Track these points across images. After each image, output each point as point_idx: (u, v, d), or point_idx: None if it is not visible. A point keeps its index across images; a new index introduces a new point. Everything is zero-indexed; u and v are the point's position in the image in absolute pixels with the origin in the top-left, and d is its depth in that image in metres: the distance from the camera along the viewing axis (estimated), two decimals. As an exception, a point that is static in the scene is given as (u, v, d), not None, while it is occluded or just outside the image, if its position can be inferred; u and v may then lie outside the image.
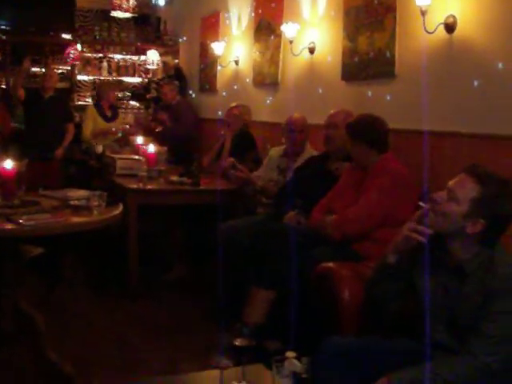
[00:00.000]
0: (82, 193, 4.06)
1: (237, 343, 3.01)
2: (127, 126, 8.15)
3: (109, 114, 8.16)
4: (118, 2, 10.43)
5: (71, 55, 10.22)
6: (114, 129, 7.91)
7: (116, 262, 5.89)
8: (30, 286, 4.58)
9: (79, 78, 10.57)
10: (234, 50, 7.84)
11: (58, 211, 3.72)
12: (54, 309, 4.79)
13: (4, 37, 10.08)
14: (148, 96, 10.27)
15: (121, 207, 3.91)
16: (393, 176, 3.99)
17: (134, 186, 5.51)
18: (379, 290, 2.80)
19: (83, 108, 9.03)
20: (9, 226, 3.40)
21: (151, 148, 5.95)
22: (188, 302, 5.30)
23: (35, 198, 3.98)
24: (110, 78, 10.59)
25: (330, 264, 3.63)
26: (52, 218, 3.55)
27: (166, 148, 6.38)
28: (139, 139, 6.91)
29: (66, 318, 4.79)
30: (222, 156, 6.15)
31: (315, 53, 5.96)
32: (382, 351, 2.62)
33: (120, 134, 7.79)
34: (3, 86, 9.20)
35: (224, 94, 8.14)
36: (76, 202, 3.80)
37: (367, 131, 4.12)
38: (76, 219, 3.64)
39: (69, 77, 10.35)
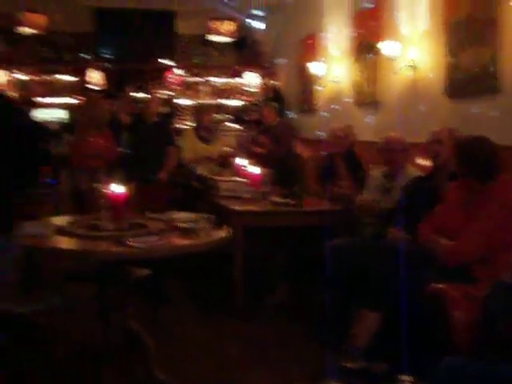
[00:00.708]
0: (189, 215, 4.10)
1: (348, 365, 2.99)
2: (229, 149, 8.22)
3: (207, 136, 8.26)
4: (216, 27, 10.61)
5: (171, 80, 10.45)
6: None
7: (220, 283, 5.94)
8: (137, 306, 4.66)
9: (179, 102, 10.78)
10: (333, 70, 7.84)
11: (166, 234, 3.77)
12: (159, 329, 4.85)
13: (109, 66, 10.41)
14: (248, 118, 10.36)
15: (228, 230, 3.93)
16: (504, 202, 3.87)
17: (239, 208, 5.55)
18: (496, 307, 2.72)
19: (181, 131, 9.15)
20: (119, 249, 3.47)
21: (254, 170, 5.99)
22: (292, 323, 5.25)
23: (143, 220, 4.05)
24: (210, 102, 10.73)
25: (441, 285, 3.56)
26: (160, 240, 3.60)
27: (268, 169, 6.40)
28: (241, 161, 6.95)
29: (171, 339, 4.84)
30: (330, 178, 6.09)
31: (416, 70, 5.90)
32: (500, 375, 2.54)
33: None
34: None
35: (324, 114, 8.13)
36: (183, 225, 3.83)
37: (476, 161, 3.99)
38: (184, 242, 3.68)
39: (169, 101, 10.57)
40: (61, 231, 3.83)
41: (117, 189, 3.76)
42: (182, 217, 4.08)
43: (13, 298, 3.92)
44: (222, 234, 3.86)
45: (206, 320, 5.37)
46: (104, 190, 3.82)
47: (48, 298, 4.01)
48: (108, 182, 3.84)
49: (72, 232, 3.82)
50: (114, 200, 3.76)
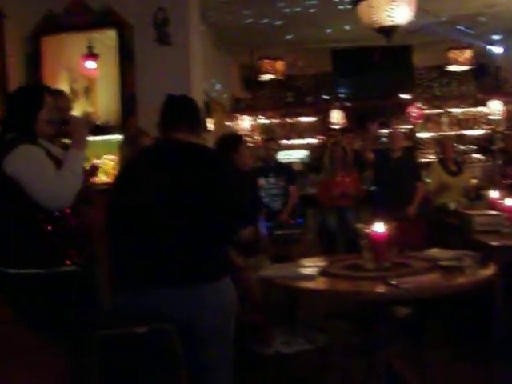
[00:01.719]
0: (452, 253, 4.02)
1: None
2: (476, 181, 8.01)
3: (453, 168, 8.07)
4: (454, 56, 10.45)
5: (412, 114, 10.42)
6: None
7: (480, 320, 5.73)
8: (401, 346, 4.62)
9: (420, 135, 10.72)
10: None
11: (429, 272, 3.73)
12: (421, 370, 4.77)
13: (349, 104, 10.61)
14: (493, 147, 10.05)
15: (493, 267, 3.80)
16: None
17: (497, 243, 5.35)
18: None
19: (426, 165, 9.02)
20: (385, 289, 3.48)
21: (509, 202, 5.77)
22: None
23: (404, 259, 4.03)
24: (450, 133, 10.56)
25: None
26: (425, 279, 3.56)
27: (522, 201, 6.13)
28: (493, 193, 6.71)
29: (432, 381, 4.73)
30: None
31: None
32: None
33: None
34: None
35: None
36: (448, 263, 3.77)
37: None
38: (451, 281, 3.61)
39: (410, 135, 10.53)
40: (324, 272, 3.91)
41: (378, 228, 3.79)
42: (444, 255, 4.00)
43: (279, 338, 4.06)
44: (489, 272, 3.73)
45: (466, 360, 5.19)
46: (365, 230, 3.86)
47: (312, 337, 4.11)
48: (368, 222, 3.88)
49: (336, 273, 3.89)
50: (376, 240, 3.79)
